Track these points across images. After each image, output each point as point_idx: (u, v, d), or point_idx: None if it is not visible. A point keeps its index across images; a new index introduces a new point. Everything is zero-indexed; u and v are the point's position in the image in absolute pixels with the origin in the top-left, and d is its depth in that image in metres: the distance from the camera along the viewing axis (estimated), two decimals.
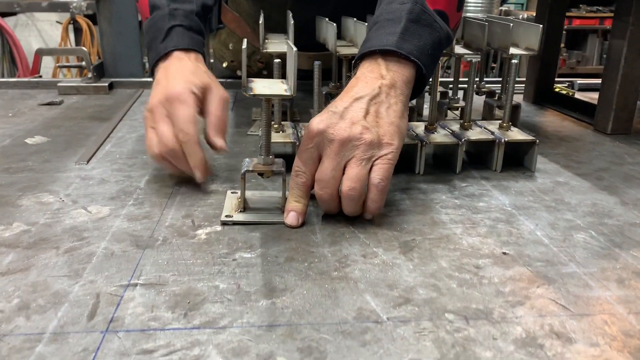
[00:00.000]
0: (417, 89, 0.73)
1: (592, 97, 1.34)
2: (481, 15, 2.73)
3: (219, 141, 0.74)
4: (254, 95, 0.60)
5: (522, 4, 4.24)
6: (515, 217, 0.67)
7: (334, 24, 0.94)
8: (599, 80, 1.41)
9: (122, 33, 1.34)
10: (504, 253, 0.58)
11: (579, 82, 1.43)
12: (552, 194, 0.75)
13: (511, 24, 0.92)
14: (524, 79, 1.33)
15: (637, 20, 0.96)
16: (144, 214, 0.66)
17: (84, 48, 1.30)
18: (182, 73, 0.78)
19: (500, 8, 2.86)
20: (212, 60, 1.55)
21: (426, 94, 1.11)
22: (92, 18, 3.48)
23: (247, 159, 0.67)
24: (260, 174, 0.66)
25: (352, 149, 0.62)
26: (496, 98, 1.06)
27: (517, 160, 0.86)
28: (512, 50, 0.95)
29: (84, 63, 1.33)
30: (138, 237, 0.60)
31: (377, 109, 0.65)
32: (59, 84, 1.29)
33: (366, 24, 0.94)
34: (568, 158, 0.90)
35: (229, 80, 1.39)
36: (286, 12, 1.19)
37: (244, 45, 0.62)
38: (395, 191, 0.75)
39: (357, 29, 1.01)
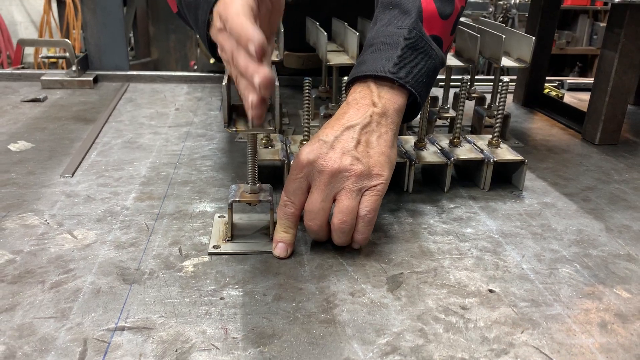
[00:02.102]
0: (408, 115, 0.72)
1: (581, 98, 1.34)
2: (473, 7, 2.69)
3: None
4: (237, 131, 0.59)
5: None
6: (502, 246, 0.68)
7: (325, 33, 0.93)
8: (588, 80, 1.41)
9: (107, 24, 1.30)
10: (490, 290, 0.59)
11: (568, 81, 1.43)
12: (539, 219, 0.75)
13: (503, 36, 0.91)
14: (514, 80, 1.33)
15: (629, 33, 0.95)
16: (130, 240, 0.66)
17: (67, 40, 1.26)
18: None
19: None
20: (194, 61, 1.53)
21: None
22: None
23: (234, 186, 0.67)
24: (248, 203, 0.65)
25: (342, 180, 0.62)
26: (486, 106, 1.05)
27: (505, 176, 0.86)
28: (504, 62, 0.95)
29: (67, 54, 1.30)
30: (125, 269, 0.60)
31: (367, 138, 0.65)
32: (42, 78, 1.26)
33: (356, 33, 0.93)
34: (556, 174, 0.91)
35: (217, 74, 1.37)
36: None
37: (225, 82, 0.60)
38: (384, 213, 0.75)
39: (347, 34, 0.99)
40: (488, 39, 0.96)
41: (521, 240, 0.69)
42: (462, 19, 1.11)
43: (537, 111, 1.24)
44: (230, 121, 0.60)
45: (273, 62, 0.95)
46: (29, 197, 0.76)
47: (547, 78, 1.35)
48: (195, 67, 1.51)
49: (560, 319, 0.55)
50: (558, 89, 1.40)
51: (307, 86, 0.78)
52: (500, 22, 2.81)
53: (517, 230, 0.72)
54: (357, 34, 0.93)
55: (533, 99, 1.27)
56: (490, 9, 2.67)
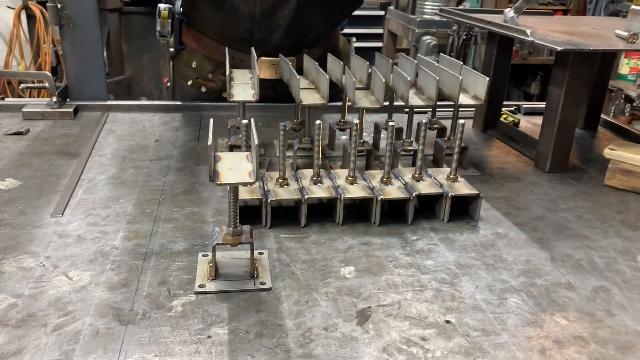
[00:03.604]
0: None
1: (536, 122, 1.44)
2: (438, 19, 2.80)
3: None
4: (221, 184, 0.66)
5: (478, 3, 4.32)
6: (458, 277, 0.76)
7: (297, 77, 1.00)
8: (542, 104, 1.51)
9: (86, 56, 1.35)
10: (447, 321, 0.67)
11: (524, 106, 1.53)
12: (492, 249, 0.84)
13: (460, 77, 1.00)
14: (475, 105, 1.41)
15: (573, 72, 1.05)
16: (122, 280, 0.72)
17: (48, 73, 1.30)
18: None
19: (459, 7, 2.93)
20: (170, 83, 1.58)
21: (382, 132, 1.17)
22: (45, 5, 3.39)
23: (217, 228, 0.73)
24: (230, 244, 0.72)
25: None
26: (446, 138, 1.14)
27: (463, 207, 0.94)
28: (461, 100, 1.03)
29: (47, 84, 1.34)
30: (119, 310, 0.66)
31: None
32: (24, 110, 1.30)
33: (327, 76, 1.00)
34: (509, 203, 0.99)
35: (194, 103, 1.43)
36: (251, 24, 1.26)
37: (209, 142, 0.66)
38: (354, 247, 0.83)
39: (319, 75, 1.06)
40: (446, 79, 1.04)
41: (475, 271, 0.78)
42: (425, 56, 1.19)
43: (495, 138, 1.33)
44: (214, 175, 0.67)
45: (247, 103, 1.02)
46: (23, 239, 0.81)
47: (505, 103, 1.45)
48: (169, 83, 1.56)
49: (506, 347, 0.63)
50: (515, 113, 1.50)
51: (283, 131, 0.85)
52: (464, 39, 2.93)
53: (472, 262, 0.80)
54: (327, 76, 1.00)
55: (491, 125, 1.36)
56: (454, 27, 2.78)
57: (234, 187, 0.69)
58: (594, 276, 0.78)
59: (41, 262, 0.75)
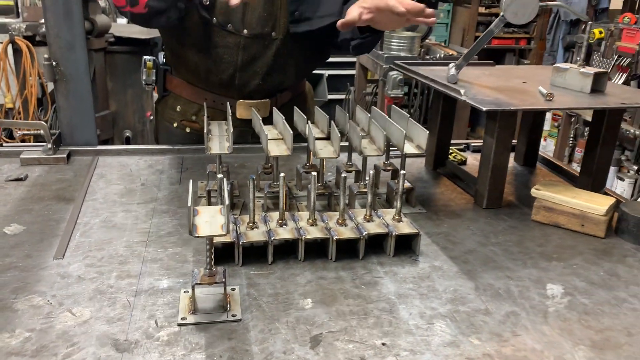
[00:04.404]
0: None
1: None
2: (404, 54, 3.00)
3: None
4: (199, 236, 0.82)
5: (445, 41, 4.57)
6: (396, 306, 0.92)
7: (266, 133, 1.16)
8: None
9: (78, 107, 1.50)
10: (383, 344, 0.83)
11: (472, 144, 1.71)
12: (427, 280, 1.00)
13: (404, 131, 1.17)
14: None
15: (501, 124, 1.23)
16: (117, 315, 0.87)
17: (43, 122, 1.45)
18: None
19: (422, 44, 3.14)
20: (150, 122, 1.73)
21: (343, 177, 1.34)
22: (31, 39, 3.53)
23: (196, 270, 0.89)
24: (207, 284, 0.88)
25: None
26: (397, 180, 1.31)
27: (407, 243, 1.11)
28: (406, 149, 1.20)
29: (42, 131, 1.49)
30: (116, 340, 0.81)
31: None
32: (22, 156, 1.44)
33: (291, 132, 1.17)
34: (447, 238, 1.16)
35: (176, 147, 1.59)
36: (233, 71, 1.44)
37: (189, 204, 0.82)
38: (312, 281, 0.99)
39: (285, 126, 1.23)
40: (394, 131, 1.21)
41: (411, 300, 0.94)
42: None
43: (443, 176, 1.51)
44: (193, 228, 0.83)
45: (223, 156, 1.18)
46: (31, 280, 0.96)
47: (455, 142, 1.64)
48: (152, 117, 1.71)
49: None
50: (464, 151, 1.68)
51: (251, 185, 1.01)
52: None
53: (409, 292, 0.97)
54: (292, 132, 1.17)
55: (441, 164, 1.54)
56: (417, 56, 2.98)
57: (210, 238, 0.85)
58: (508, 303, 0.95)
59: (48, 301, 0.90)
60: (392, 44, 3.01)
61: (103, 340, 0.81)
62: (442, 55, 2.98)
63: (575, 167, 4.07)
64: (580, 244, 1.16)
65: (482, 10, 4.89)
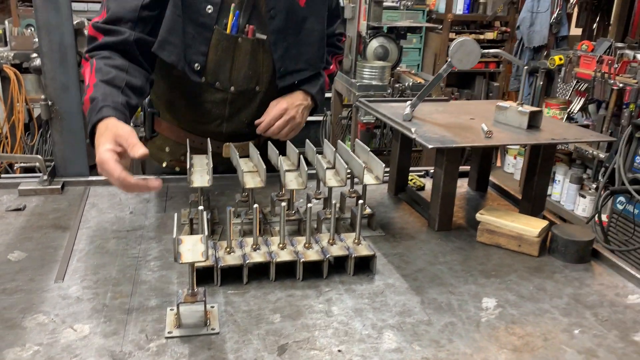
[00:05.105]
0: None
1: None
2: (375, 82, 3.19)
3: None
4: (182, 263, 0.97)
5: (418, 65, 4.80)
6: (353, 319, 1.08)
7: (242, 168, 1.32)
8: None
9: (71, 142, 1.65)
10: (339, 350, 0.99)
11: (431, 170, 1.89)
12: (380, 296, 1.16)
13: (363, 164, 1.34)
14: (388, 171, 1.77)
15: (449, 157, 1.41)
16: (113, 330, 1.02)
17: (39, 157, 1.59)
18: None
19: (393, 72, 3.34)
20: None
21: (308, 207, 1.50)
22: (19, 67, 3.66)
23: (180, 291, 1.04)
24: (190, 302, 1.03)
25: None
26: (364, 207, 1.47)
27: (366, 263, 1.27)
28: (366, 180, 1.37)
29: (37, 164, 1.63)
30: (113, 352, 0.96)
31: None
32: (20, 187, 1.58)
33: (264, 166, 1.33)
34: (401, 258, 1.33)
35: (163, 176, 1.74)
36: (221, 122, 1.61)
37: (174, 235, 0.98)
38: (282, 298, 1.14)
39: (260, 160, 1.39)
40: (356, 164, 1.38)
41: (366, 314, 1.10)
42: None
43: (403, 201, 1.68)
44: (177, 256, 0.98)
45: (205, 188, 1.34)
46: (35, 301, 1.10)
47: (414, 169, 1.81)
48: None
49: None
50: (424, 177, 1.86)
51: (228, 215, 1.17)
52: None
53: (365, 306, 1.13)
54: (265, 167, 1.33)
55: (401, 190, 1.71)
56: (389, 90, 3.17)
57: (192, 264, 1.01)
58: (448, 314, 1.11)
59: (52, 319, 1.04)
60: (364, 73, 3.21)
61: (101, 352, 0.96)
62: (410, 84, 3.18)
63: None
64: (516, 263, 1.33)
65: (452, 35, 5.14)
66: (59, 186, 1.62)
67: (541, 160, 1.49)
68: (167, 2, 1.48)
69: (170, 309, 1.08)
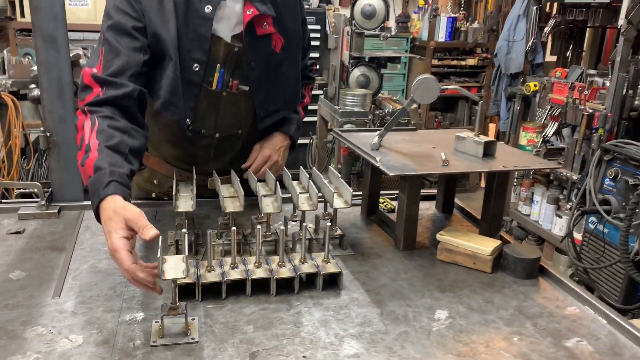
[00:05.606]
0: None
1: None
2: (357, 109, 3.35)
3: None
4: (165, 279, 1.11)
5: (402, 90, 5.01)
6: (319, 329, 1.22)
7: (224, 196, 1.47)
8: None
9: (67, 169, 1.79)
10: (304, 356, 1.12)
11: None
12: (345, 309, 1.30)
13: (333, 190, 1.49)
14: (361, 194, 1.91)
15: (410, 183, 1.55)
16: (104, 339, 1.15)
17: (38, 184, 1.73)
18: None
19: (375, 98, 3.51)
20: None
21: (281, 229, 1.64)
22: (16, 94, 3.81)
23: (164, 304, 1.18)
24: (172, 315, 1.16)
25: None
26: (335, 228, 1.62)
27: (333, 279, 1.41)
28: (335, 204, 1.52)
29: (36, 190, 1.77)
30: (104, 358, 1.09)
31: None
32: (19, 212, 1.72)
33: (243, 193, 1.47)
34: (367, 275, 1.47)
35: (149, 200, 1.87)
36: (206, 162, 1.74)
37: (159, 255, 1.12)
38: (256, 312, 1.27)
39: (240, 188, 1.54)
40: (325, 189, 1.53)
41: (331, 325, 1.24)
42: (318, 172, 1.69)
43: (374, 222, 1.82)
44: (161, 273, 1.12)
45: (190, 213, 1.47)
46: (35, 315, 1.23)
47: (385, 192, 1.96)
48: None
49: None
50: (395, 199, 2.00)
51: (209, 237, 1.31)
52: (377, 126, 3.49)
53: (330, 318, 1.26)
54: (243, 193, 1.47)
55: (373, 212, 1.86)
56: (370, 117, 3.34)
57: (174, 280, 1.14)
58: (403, 325, 1.25)
59: (50, 330, 1.17)
60: (347, 100, 3.38)
61: (93, 359, 1.09)
62: (390, 110, 3.35)
63: (521, 205, 4.43)
64: (470, 278, 1.47)
65: (435, 62, 5.34)
66: (56, 210, 1.75)
67: (496, 185, 1.64)
68: (158, 59, 1.58)
69: (155, 321, 1.21)
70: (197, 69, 1.61)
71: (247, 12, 1.59)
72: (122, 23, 1.52)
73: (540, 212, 4.20)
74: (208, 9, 1.56)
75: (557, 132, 3.86)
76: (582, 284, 3.64)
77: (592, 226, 3.42)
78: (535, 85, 3.93)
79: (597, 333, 1.24)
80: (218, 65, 1.64)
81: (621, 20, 3.22)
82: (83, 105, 1.47)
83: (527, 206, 4.33)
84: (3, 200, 1.82)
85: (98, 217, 1.30)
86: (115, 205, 1.25)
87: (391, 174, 1.45)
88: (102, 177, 1.31)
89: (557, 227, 4.05)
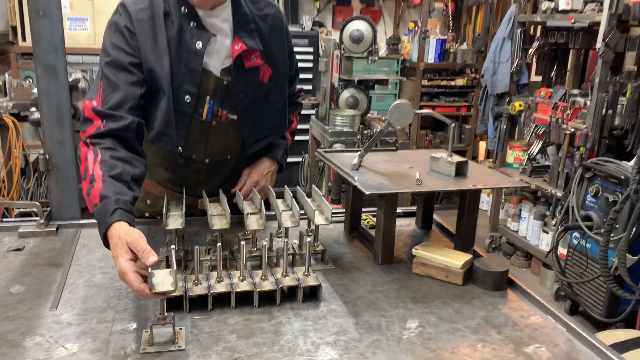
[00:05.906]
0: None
1: None
2: (346, 129, 3.46)
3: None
4: (155, 293, 1.21)
5: (395, 94, 5.16)
6: (297, 337, 1.31)
7: (211, 214, 1.57)
8: (399, 210, 2.11)
9: (66, 189, 1.89)
10: None
11: None
12: (323, 319, 1.40)
13: (314, 208, 1.59)
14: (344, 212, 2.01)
15: (387, 201, 1.66)
16: (98, 347, 1.24)
17: (37, 203, 1.83)
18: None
19: (364, 119, 3.64)
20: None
21: (263, 245, 1.73)
22: (17, 116, 3.93)
23: (153, 315, 1.27)
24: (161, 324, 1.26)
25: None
26: (314, 243, 1.72)
27: (313, 292, 1.50)
28: (316, 221, 1.62)
29: (35, 209, 1.87)
30: None
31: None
32: (20, 230, 1.82)
33: (229, 211, 1.58)
34: (345, 287, 1.56)
35: (142, 219, 1.97)
36: (197, 184, 1.84)
37: (149, 270, 1.22)
38: (239, 322, 1.37)
39: (227, 206, 1.64)
40: (307, 207, 1.63)
41: (308, 334, 1.33)
42: (302, 190, 1.79)
43: (355, 238, 1.92)
44: (151, 286, 1.22)
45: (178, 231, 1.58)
46: (33, 326, 1.32)
47: (367, 210, 2.06)
48: None
49: None
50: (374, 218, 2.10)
51: (196, 253, 1.41)
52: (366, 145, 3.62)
53: (308, 328, 1.36)
54: (229, 211, 1.58)
55: (355, 228, 1.96)
56: (359, 136, 3.46)
57: (162, 293, 1.24)
58: (376, 333, 1.34)
59: (47, 340, 1.27)
60: (337, 120, 3.50)
61: None
62: (377, 130, 3.47)
63: (509, 221, 4.52)
64: (442, 290, 1.57)
65: (425, 82, 5.48)
66: (54, 229, 1.85)
67: (468, 202, 1.74)
68: (152, 93, 1.67)
69: (145, 331, 1.30)
70: (188, 100, 1.70)
71: (236, 47, 1.70)
72: (119, 59, 1.61)
73: (528, 228, 4.31)
74: (199, 44, 1.67)
75: (542, 151, 3.98)
76: (567, 298, 3.73)
77: (575, 241, 3.52)
78: (520, 105, 4.05)
79: (556, 340, 1.34)
80: (208, 97, 1.74)
81: (599, 43, 3.36)
82: (85, 138, 1.54)
83: (516, 222, 4.44)
84: (4, 219, 1.92)
85: (106, 243, 1.39)
86: (120, 232, 1.34)
87: (367, 192, 1.56)
88: (108, 206, 1.40)
89: (544, 242, 4.15)
